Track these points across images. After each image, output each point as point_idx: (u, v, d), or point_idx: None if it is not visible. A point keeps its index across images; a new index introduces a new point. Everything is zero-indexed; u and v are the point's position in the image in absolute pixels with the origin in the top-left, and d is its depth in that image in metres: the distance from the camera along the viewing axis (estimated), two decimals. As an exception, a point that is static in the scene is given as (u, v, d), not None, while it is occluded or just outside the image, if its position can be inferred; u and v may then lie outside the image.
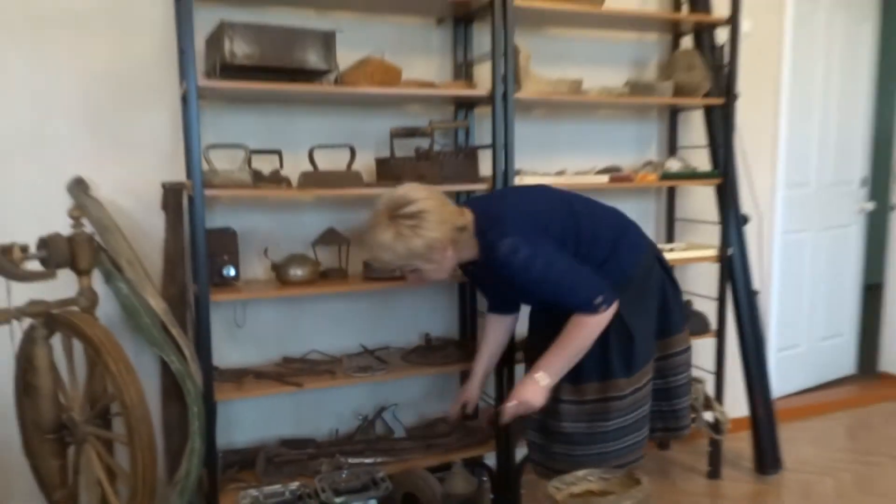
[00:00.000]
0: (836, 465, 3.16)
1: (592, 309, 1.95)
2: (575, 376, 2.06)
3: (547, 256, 1.94)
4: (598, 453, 2.08)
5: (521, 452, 2.75)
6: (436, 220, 1.90)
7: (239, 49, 2.07)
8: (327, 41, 2.19)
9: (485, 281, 2.26)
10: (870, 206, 4.11)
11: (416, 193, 1.93)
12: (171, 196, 2.28)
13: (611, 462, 2.08)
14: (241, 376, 2.36)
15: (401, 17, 2.62)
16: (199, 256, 2.12)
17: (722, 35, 2.95)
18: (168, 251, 2.29)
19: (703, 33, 2.97)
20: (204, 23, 2.31)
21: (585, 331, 1.97)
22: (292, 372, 2.42)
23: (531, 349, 2.26)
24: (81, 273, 2.11)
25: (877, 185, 4.24)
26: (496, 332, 2.35)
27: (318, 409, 2.68)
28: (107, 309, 2.24)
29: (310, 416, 2.67)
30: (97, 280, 2.16)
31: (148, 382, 2.34)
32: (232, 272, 2.30)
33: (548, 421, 2.13)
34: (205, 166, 2.17)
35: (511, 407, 2.03)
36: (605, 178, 2.68)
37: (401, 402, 2.78)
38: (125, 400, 1.89)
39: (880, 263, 4.24)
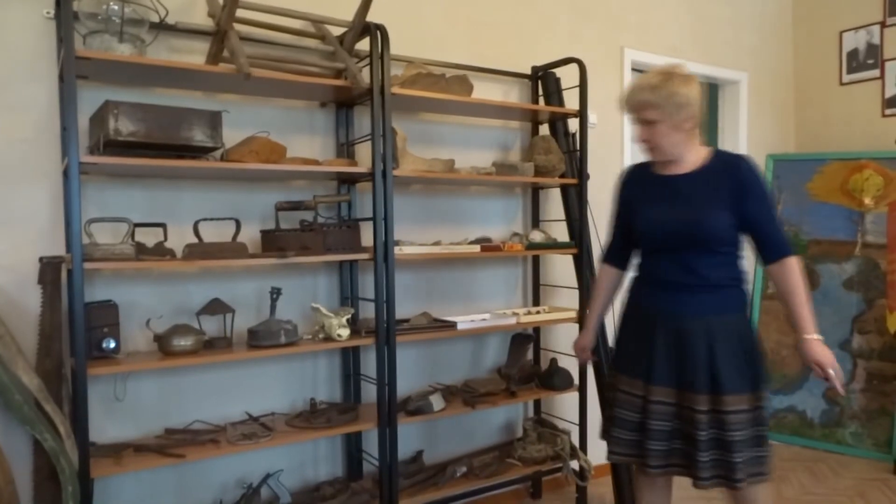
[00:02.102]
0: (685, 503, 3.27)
1: (791, 248, 2.01)
2: (755, 384, 2.01)
3: None
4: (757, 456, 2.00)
5: (404, 510, 2.66)
6: (700, 92, 1.98)
7: (123, 126, 1.97)
8: (213, 120, 2.13)
9: (661, 199, 2.07)
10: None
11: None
12: (49, 270, 2.09)
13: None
14: (120, 451, 2.15)
15: (287, 101, 2.60)
16: (77, 330, 1.95)
17: (574, 124, 3.13)
18: (44, 326, 2.08)
19: (557, 122, 3.14)
20: (89, 102, 2.20)
21: (799, 271, 2.00)
22: (174, 443, 2.23)
23: (626, 356, 2.15)
24: (-55, 350, 1.87)
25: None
26: (609, 283, 2.34)
27: (201, 479, 2.48)
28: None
29: (193, 488, 2.47)
30: (-37, 357, 1.93)
31: (19, 462, 2.11)
32: (112, 345, 2.12)
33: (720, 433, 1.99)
34: (86, 240, 2.02)
35: (835, 373, 1.92)
36: (477, 248, 2.73)
37: (286, 468, 2.63)
38: (-11, 483, 1.67)
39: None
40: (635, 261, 2.24)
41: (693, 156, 2.06)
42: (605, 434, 2.21)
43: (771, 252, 2.02)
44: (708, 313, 2.01)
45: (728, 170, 2.00)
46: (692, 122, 2.00)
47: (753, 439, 1.98)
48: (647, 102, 1.97)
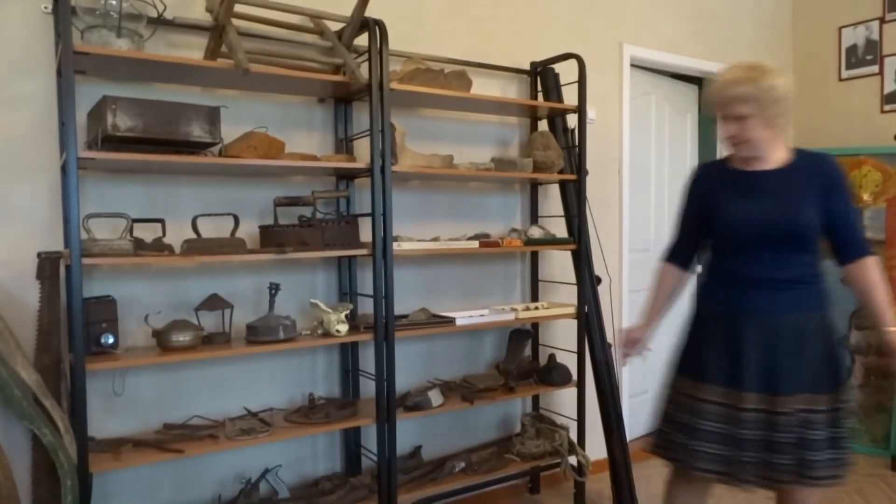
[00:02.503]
0: (684, 499, 3.27)
1: (869, 248, 2.02)
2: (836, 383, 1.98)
3: None
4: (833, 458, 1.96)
5: (402, 506, 2.67)
6: (792, 87, 1.94)
7: (121, 121, 1.97)
8: (212, 115, 2.13)
9: (747, 195, 2.01)
10: (699, 268, 4.41)
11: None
12: (47, 265, 2.09)
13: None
14: (118, 446, 2.16)
15: (285, 97, 2.60)
16: (76, 325, 1.95)
17: (572, 120, 3.13)
18: (42, 321, 2.09)
19: (556, 118, 3.14)
20: (87, 97, 2.20)
21: (878, 269, 2.00)
22: (173, 438, 2.24)
23: (706, 362, 2.04)
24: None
25: (704, 249, 4.56)
26: (672, 283, 2.26)
27: (200, 475, 2.49)
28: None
29: (192, 483, 2.47)
30: (-39, 352, 1.93)
31: (18, 457, 2.12)
32: (110, 340, 2.12)
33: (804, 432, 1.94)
34: (84, 235, 2.02)
35: None
36: (475, 244, 2.73)
37: (284, 463, 2.64)
38: (-12, 478, 1.67)
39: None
40: (710, 260, 2.15)
41: (777, 152, 2.02)
42: (676, 448, 2.06)
43: (852, 252, 2.02)
44: (799, 311, 1.97)
45: (815, 167, 1.99)
46: (785, 118, 1.96)
47: (831, 440, 1.94)
48: (745, 96, 1.90)
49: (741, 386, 1.96)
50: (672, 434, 2.08)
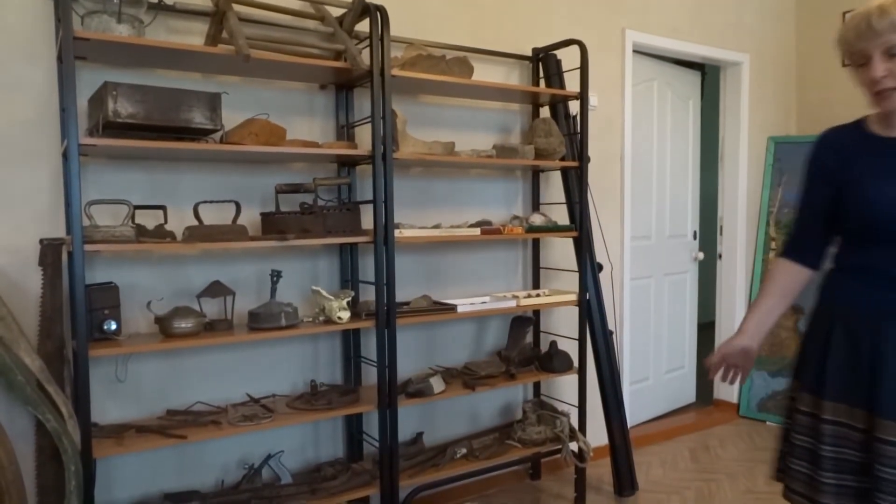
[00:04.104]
0: (682, 484, 3.30)
1: None
2: None
3: None
4: None
5: (404, 493, 2.69)
6: None
7: (122, 108, 1.96)
8: (213, 102, 2.13)
9: (888, 170, 1.56)
10: (701, 255, 4.42)
11: None
12: (50, 252, 2.10)
13: None
14: (121, 431, 2.17)
15: (286, 83, 2.59)
16: (78, 312, 1.96)
17: (574, 107, 3.12)
18: (45, 307, 2.09)
19: (558, 105, 3.13)
20: (88, 83, 2.20)
21: None
22: (176, 424, 2.25)
23: (833, 376, 1.62)
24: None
25: (705, 238, 4.56)
26: (787, 282, 1.73)
27: (203, 460, 2.51)
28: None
29: (195, 469, 2.49)
30: (-35, 338, 1.94)
31: (22, 443, 2.14)
32: (113, 326, 2.13)
33: None
34: (86, 222, 2.02)
35: None
36: (477, 231, 2.73)
37: (287, 449, 2.65)
38: (-7, 463, 1.68)
39: (711, 304, 4.55)
40: (840, 251, 1.69)
41: None
42: (793, 476, 1.70)
43: None
44: None
45: None
46: None
47: None
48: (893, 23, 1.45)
49: (879, 410, 1.53)
50: (790, 460, 1.72)
